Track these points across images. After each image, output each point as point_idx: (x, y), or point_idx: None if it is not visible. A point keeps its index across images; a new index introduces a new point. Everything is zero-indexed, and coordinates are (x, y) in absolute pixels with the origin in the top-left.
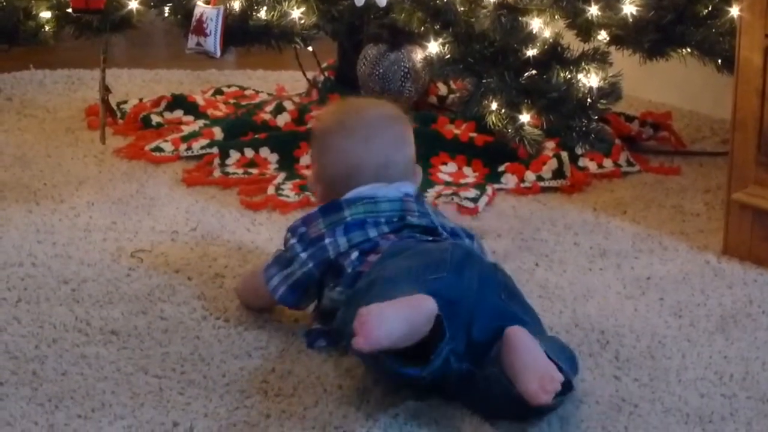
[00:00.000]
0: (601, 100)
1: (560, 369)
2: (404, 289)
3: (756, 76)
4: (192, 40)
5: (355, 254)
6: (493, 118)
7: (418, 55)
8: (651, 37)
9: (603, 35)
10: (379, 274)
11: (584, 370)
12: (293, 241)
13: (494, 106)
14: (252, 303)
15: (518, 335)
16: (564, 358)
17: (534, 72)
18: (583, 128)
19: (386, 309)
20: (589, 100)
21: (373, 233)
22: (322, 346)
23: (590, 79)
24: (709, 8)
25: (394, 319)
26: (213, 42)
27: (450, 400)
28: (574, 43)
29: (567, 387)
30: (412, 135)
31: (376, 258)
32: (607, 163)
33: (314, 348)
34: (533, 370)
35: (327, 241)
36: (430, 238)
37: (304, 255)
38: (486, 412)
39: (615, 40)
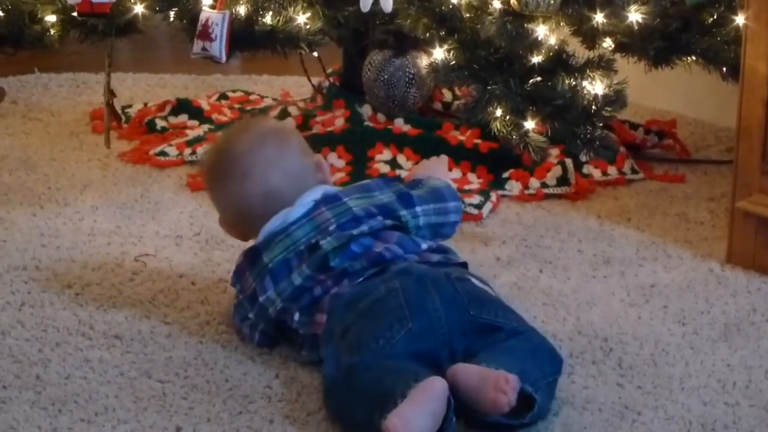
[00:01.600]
0: (606, 108)
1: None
2: (394, 376)
3: (761, 85)
4: (197, 45)
5: (297, 315)
6: (498, 125)
7: (423, 61)
8: (656, 45)
9: (608, 43)
10: (352, 360)
11: (587, 377)
12: (240, 297)
13: (499, 112)
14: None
15: (456, 370)
16: (532, 366)
17: (539, 79)
18: (588, 135)
19: (409, 413)
20: (594, 107)
21: (297, 280)
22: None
23: (595, 87)
24: (715, 17)
25: (420, 417)
26: (218, 47)
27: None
28: (579, 51)
29: (530, 400)
30: (299, 139)
31: (323, 317)
32: (612, 170)
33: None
34: (485, 384)
35: (261, 299)
36: (360, 279)
37: (252, 315)
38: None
39: (620, 48)
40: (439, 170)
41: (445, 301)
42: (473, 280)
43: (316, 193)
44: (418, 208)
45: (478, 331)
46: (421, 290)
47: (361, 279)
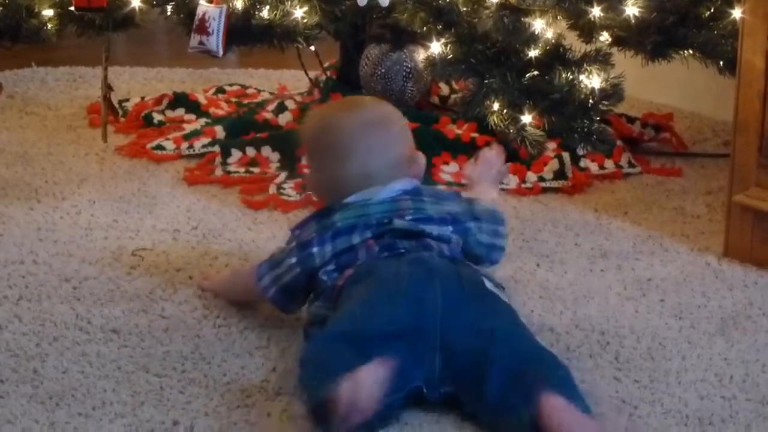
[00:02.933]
0: (603, 102)
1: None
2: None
3: (758, 79)
4: (195, 39)
5: (332, 266)
6: (495, 119)
7: (421, 55)
8: (653, 39)
9: (605, 36)
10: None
11: (584, 371)
12: (291, 243)
13: (496, 106)
14: (237, 297)
15: (554, 407)
16: (570, 385)
17: (536, 73)
18: (585, 129)
19: (360, 378)
20: (591, 101)
21: (356, 239)
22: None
23: (592, 81)
24: (712, 10)
25: (371, 383)
26: (216, 41)
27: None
28: (576, 45)
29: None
30: (403, 129)
31: (351, 272)
32: (609, 164)
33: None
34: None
35: (315, 249)
36: (402, 250)
37: (293, 260)
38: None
39: (617, 42)
40: (491, 192)
41: (447, 297)
42: (486, 282)
43: (405, 184)
44: (483, 224)
45: (477, 335)
46: (426, 282)
47: (388, 254)
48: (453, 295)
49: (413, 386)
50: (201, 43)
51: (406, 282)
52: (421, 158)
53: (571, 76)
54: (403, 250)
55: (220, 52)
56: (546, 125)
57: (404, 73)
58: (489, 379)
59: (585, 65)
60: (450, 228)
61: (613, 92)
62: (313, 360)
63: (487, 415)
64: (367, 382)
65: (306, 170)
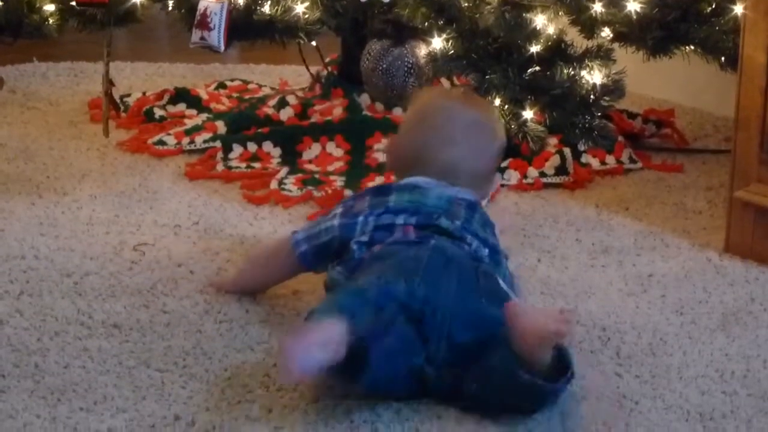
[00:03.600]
0: (605, 97)
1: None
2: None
3: (759, 75)
4: (196, 35)
5: (365, 238)
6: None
7: (422, 51)
8: (655, 35)
9: (606, 32)
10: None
11: (585, 367)
12: (337, 209)
13: (498, 102)
14: (254, 277)
15: (516, 305)
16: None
17: (538, 68)
18: (587, 125)
19: (297, 344)
20: (592, 97)
21: (399, 221)
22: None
23: (594, 76)
24: (713, 6)
25: (307, 350)
26: (217, 36)
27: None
28: (577, 40)
29: (568, 367)
30: (500, 149)
31: (377, 248)
32: (610, 160)
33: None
34: (544, 316)
35: (360, 219)
36: (429, 242)
37: (335, 222)
38: (485, 408)
39: (618, 38)
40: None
41: (462, 285)
42: (500, 281)
43: (467, 195)
44: (508, 274)
45: (482, 322)
46: (444, 267)
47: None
48: (468, 286)
49: (415, 364)
50: (202, 38)
51: (424, 265)
52: (497, 182)
53: (572, 72)
54: (448, 243)
55: (222, 48)
56: (547, 121)
57: (406, 69)
58: (491, 356)
59: (586, 61)
60: (486, 251)
61: (614, 88)
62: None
63: (486, 389)
64: (303, 344)
65: (398, 132)
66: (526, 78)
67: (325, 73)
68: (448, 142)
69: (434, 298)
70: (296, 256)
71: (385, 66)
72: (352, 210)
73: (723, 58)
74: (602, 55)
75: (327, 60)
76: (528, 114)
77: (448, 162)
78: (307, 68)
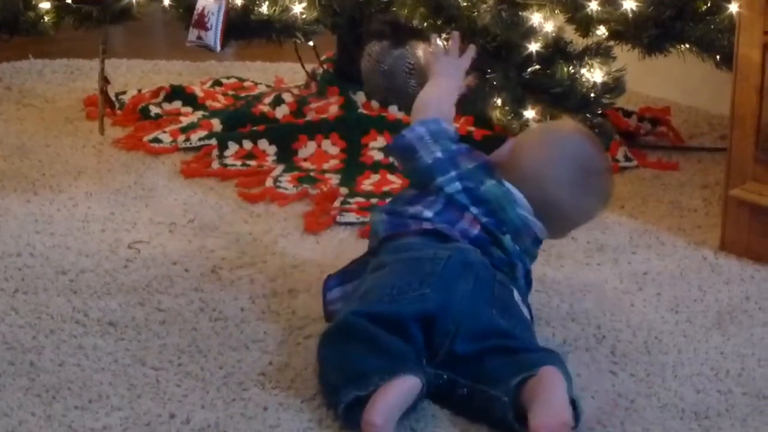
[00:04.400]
0: (606, 95)
1: (574, 404)
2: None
3: (755, 73)
4: (193, 34)
5: (428, 212)
6: (497, 114)
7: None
8: (650, 33)
9: (602, 30)
10: (367, 286)
11: (580, 365)
12: (441, 145)
13: (498, 101)
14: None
15: (552, 375)
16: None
17: (537, 67)
18: (587, 123)
19: (382, 407)
20: (593, 95)
21: (475, 210)
22: (336, 297)
23: (594, 74)
24: (709, 4)
25: (394, 410)
26: (213, 36)
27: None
28: (576, 39)
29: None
30: (601, 209)
31: (422, 225)
32: None
33: (327, 298)
34: (553, 410)
35: (453, 173)
36: (471, 246)
37: (438, 154)
38: (472, 414)
39: (614, 36)
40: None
41: (477, 293)
42: (515, 293)
43: (540, 232)
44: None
45: (490, 333)
46: (461, 272)
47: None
48: (482, 294)
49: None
50: (199, 37)
51: (442, 266)
52: (568, 233)
53: (572, 70)
54: (471, 247)
55: (218, 48)
56: (548, 119)
57: (406, 69)
58: (490, 359)
59: (586, 59)
60: (523, 274)
61: (615, 86)
62: (339, 355)
63: (479, 387)
64: (392, 401)
65: (521, 138)
66: (526, 77)
67: (320, 70)
68: (570, 187)
69: (448, 302)
70: (407, 130)
71: (385, 67)
72: (455, 159)
73: (718, 57)
74: (602, 53)
75: (322, 58)
76: (529, 113)
77: (556, 203)
78: (303, 66)
